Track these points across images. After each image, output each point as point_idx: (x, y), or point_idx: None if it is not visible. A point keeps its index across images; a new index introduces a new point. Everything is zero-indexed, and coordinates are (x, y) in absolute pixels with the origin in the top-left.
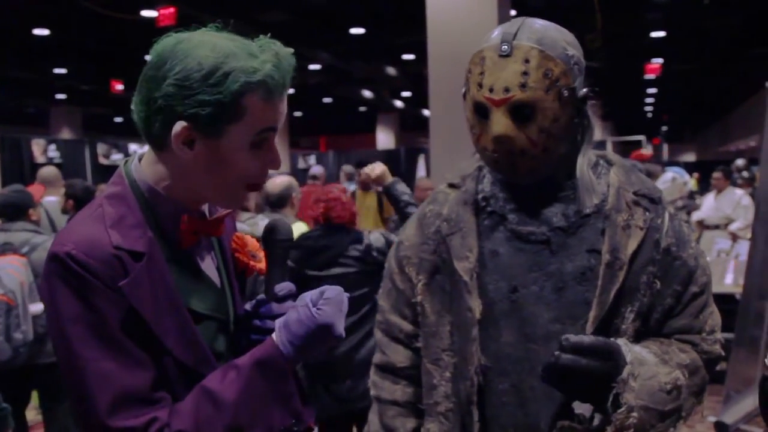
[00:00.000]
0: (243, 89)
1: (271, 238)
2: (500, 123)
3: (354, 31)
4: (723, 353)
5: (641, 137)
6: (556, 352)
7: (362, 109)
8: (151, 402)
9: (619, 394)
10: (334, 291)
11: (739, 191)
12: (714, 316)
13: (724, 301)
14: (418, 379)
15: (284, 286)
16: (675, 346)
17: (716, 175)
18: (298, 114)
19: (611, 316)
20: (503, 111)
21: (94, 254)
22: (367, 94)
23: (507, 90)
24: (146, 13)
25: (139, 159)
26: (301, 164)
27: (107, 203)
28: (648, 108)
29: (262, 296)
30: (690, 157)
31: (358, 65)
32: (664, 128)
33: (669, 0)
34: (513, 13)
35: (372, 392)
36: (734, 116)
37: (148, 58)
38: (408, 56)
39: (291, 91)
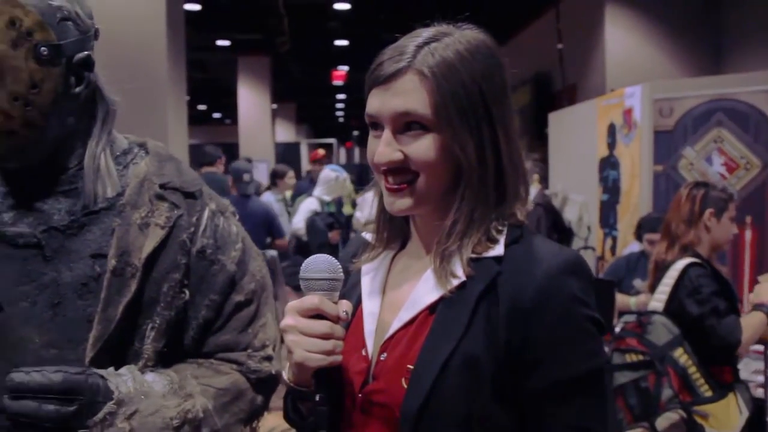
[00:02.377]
0: None
1: None
2: None
3: None
4: (274, 371)
5: (332, 140)
6: (5, 397)
7: None
8: None
9: None
10: None
11: None
12: (267, 329)
13: None
14: None
15: None
16: (211, 368)
17: None
18: None
19: (127, 336)
20: None
21: None
22: None
23: None
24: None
25: None
26: None
27: None
28: (339, 113)
29: None
30: None
31: None
32: (356, 132)
33: (350, 11)
34: (194, 7)
35: None
36: None
37: None
38: None
39: None
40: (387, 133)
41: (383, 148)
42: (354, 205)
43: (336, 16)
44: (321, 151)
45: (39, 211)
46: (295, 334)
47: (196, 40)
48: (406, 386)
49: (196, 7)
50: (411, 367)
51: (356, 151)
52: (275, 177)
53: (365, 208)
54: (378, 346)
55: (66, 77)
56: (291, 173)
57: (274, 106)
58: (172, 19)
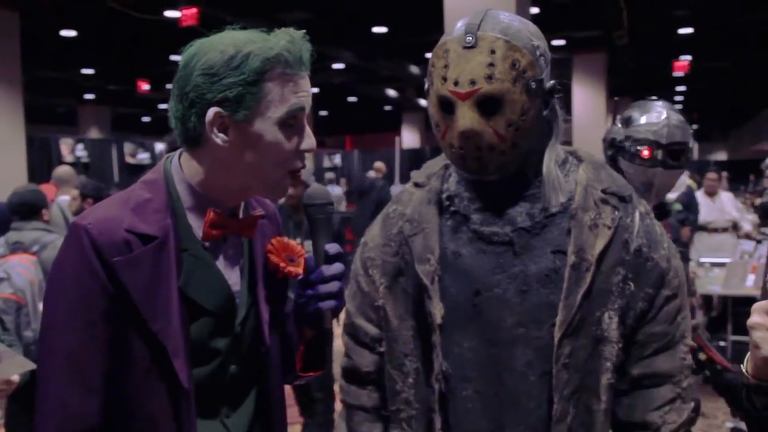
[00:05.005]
0: (263, 65)
1: (308, 203)
2: (466, 117)
3: (376, 29)
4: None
5: None
6: None
7: (387, 108)
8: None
9: None
10: None
11: (726, 194)
12: (687, 321)
13: (746, 303)
14: (384, 384)
15: (332, 247)
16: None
17: (711, 176)
18: (323, 113)
19: (583, 322)
20: (469, 105)
21: (105, 233)
22: (391, 93)
23: (473, 82)
24: (169, 13)
25: (179, 156)
26: (326, 163)
27: (139, 187)
28: (677, 106)
29: (309, 256)
30: (721, 156)
31: (382, 64)
32: (694, 126)
33: None
34: (534, 10)
35: (340, 397)
36: (767, 115)
37: (172, 58)
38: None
39: (315, 90)
40: None
41: None
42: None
43: (682, 4)
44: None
45: (505, 213)
46: (763, 331)
47: None
48: None
49: (535, 10)
50: None
51: (695, 147)
52: None
53: None
54: None
55: (541, 104)
56: None
57: (609, 101)
58: None
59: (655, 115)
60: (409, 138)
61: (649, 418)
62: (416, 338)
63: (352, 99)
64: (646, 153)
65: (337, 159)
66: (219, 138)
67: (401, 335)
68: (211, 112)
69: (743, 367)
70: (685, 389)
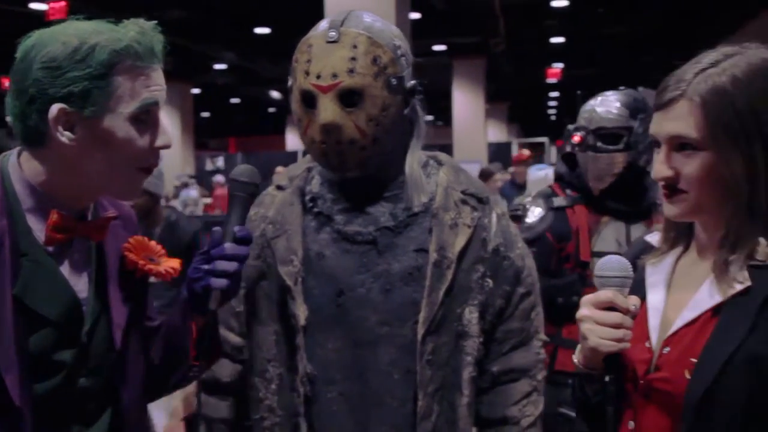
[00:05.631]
0: (111, 58)
1: (233, 178)
2: (328, 110)
3: (259, 30)
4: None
5: (544, 139)
6: None
7: (271, 110)
8: None
9: None
10: None
11: None
12: (540, 317)
13: None
14: (246, 394)
15: (241, 229)
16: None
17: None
18: (205, 114)
19: (445, 318)
20: (331, 97)
21: None
22: (275, 95)
23: (335, 76)
24: (35, 5)
25: (18, 155)
26: (208, 166)
27: None
28: (551, 111)
29: (217, 229)
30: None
31: (265, 65)
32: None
33: (568, 7)
34: (414, 16)
35: (201, 411)
36: None
37: None
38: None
39: (197, 91)
40: (663, 152)
41: (658, 165)
42: None
43: (553, 14)
44: (525, 152)
45: (367, 213)
46: (591, 323)
47: (413, 46)
48: (689, 377)
49: (416, 15)
50: (695, 360)
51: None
52: (482, 177)
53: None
54: (661, 339)
55: (403, 102)
56: (498, 175)
57: (487, 106)
58: (399, 27)
59: (591, 103)
60: (294, 141)
61: (509, 413)
62: (279, 343)
63: (235, 100)
64: (576, 138)
65: (220, 161)
66: (65, 136)
67: (264, 340)
68: (55, 108)
69: (574, 358)
70: (540, 382)
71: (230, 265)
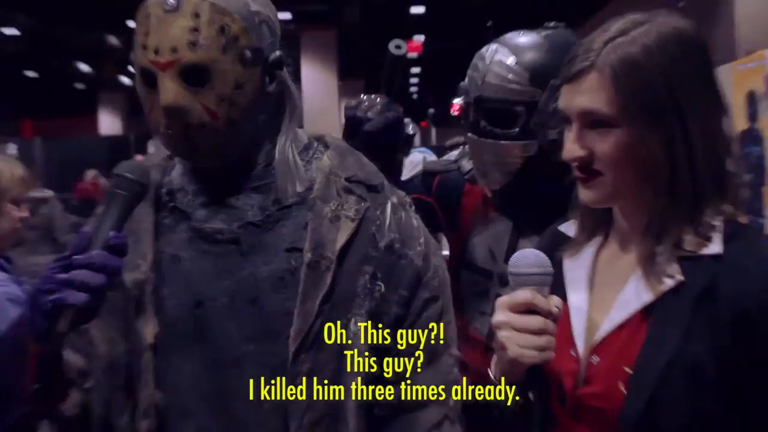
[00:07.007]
0: None
1: (119, 173)
2: (168, 90)
3: None
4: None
5: (407, 119)
6: None
7: (79, 86)
8: None
9: None
10: None
11: None
12: (452, 328)
13: None
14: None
15: (117, 236)
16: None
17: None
18: None
19: (323, 332)
20: (171, 76)
21: None
22: (84, 68)
23: (174, 50)
24: None
25: None
26: None
27: None
28: (413, 89)
29: (86, 231)
30: (461, 139)
31: (70, 31)
32: (432, 111)
33: None
34: None
35: None
36: None
37: None
38: (134, 23)
39: None
40: (574, 130)
41: (570, 144)
42: None
43: None
44: None
45: (232, 207)
46: (508, 330)
47: None
48: (624, 391)
49: None
50: (629, 370)
51: (432, 132)
52: None
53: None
54: (588, 346)
55: (263, 77)
56: None
57: (340, 83)
58: None
59: (486, 49)
60: (109, 123)
61: None
62: (131, 366)
63: (31, 74)
64: (455, 110)
65: (13, 149)
66: None
67: (112, 363)
68: None
69: (490, 372)
70: (453, 408)
71: (95, 278)
